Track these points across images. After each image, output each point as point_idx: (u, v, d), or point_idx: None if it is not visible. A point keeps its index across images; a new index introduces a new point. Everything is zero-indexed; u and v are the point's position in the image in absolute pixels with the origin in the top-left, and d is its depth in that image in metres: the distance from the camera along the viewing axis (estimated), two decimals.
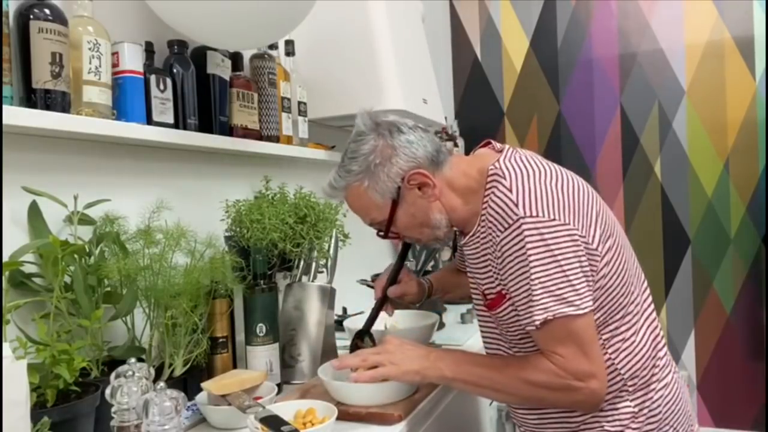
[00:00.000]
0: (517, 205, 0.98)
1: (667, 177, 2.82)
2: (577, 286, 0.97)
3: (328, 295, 1.35)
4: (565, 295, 0.96)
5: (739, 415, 2.74)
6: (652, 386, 1.07)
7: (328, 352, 1.33)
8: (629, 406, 1.05)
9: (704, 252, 2.78)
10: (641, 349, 1.07)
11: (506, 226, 0.98)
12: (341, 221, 1.41)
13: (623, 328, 1.05)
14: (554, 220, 0.97)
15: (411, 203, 1.08)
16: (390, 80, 1.73)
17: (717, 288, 2.76)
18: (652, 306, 1.13)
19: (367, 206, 1.10)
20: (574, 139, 2.95)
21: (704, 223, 2.77)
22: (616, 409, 1.05)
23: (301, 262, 1.37)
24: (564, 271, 0.96)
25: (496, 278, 1.05)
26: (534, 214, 0.97)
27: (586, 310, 0.97)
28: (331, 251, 1.41)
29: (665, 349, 1.12)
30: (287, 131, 1.63)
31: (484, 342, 1.19)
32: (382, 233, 1.13)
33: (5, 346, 0.70)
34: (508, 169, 1.04)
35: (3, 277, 0.91)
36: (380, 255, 2.39)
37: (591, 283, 0.99)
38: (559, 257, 0.96)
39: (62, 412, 0.83)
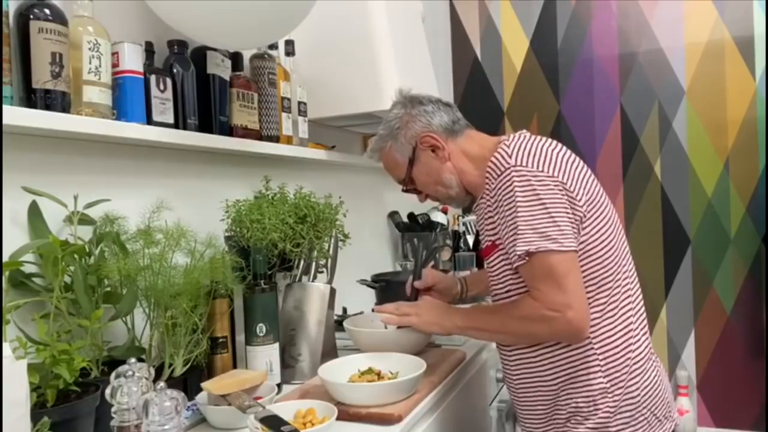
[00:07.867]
0: (510, 157, 1.11)
1: (667, 177, 2.82)
2: (562, 226, 1.06)
3: (328, 295, 1.35)
4: (549, 233, 1.05)
5: (739, 415, 2.74)
6: (625, 369, 1.12)
7: (328, 352, 1.33)
8: (601, 382, 1.12)
9: (704, 252, 2.78)
10: (614, 326, 1.12)
11: (498, 173, 1.11)
12: (341, 221, 1.41)
13: (601, 299, 1.12)
14: (542, 171, 1.08)
15: (425, 163, 1.24)
16: (390, 80, 1.73)
17: (717, 288, 2.76)
18: (634, 302, 1.17)
19: (392, 165, 1.29)
20: (574, 139, 2.95)
21: (704, 223, 2.77)
22: (589, 384, 1.12)
23: (301, 262, 1.37)
24: (549, 212, 1.06)
25: (492, 227, 1.15)
26: (523, 164, 1.09)
27: (568, 248, 1.06)
28: (331, 251, 1.41)
29: (645, 343, 1.17)
30: (287, 131, 1.63)
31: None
32: (404, 188, 1.31)
33: (5, 346, 0.70)
34: (514, 136, 1.17)
35: (3, 277, 0.91)
36: (380, 255, 2.39)
37: (576, 228, 1.08)
38: (546, 201, 1.06)
39: (62, 412, 0.82)
